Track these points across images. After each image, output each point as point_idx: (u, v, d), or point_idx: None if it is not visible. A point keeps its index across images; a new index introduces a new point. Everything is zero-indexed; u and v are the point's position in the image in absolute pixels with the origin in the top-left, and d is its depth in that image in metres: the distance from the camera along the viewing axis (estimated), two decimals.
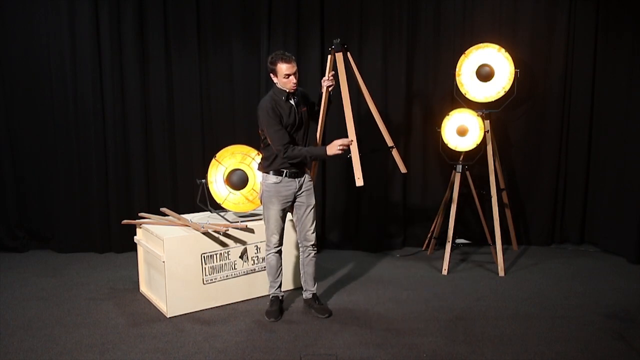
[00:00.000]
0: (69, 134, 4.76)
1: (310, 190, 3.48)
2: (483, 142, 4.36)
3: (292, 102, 3.33)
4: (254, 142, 4.25)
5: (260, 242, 3.78)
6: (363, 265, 4.59)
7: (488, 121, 4.38)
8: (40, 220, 4.96)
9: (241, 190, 3.93)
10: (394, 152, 3.64)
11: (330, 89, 3.47)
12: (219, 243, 3.65)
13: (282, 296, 3.63)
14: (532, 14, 4.80)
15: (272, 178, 3.36)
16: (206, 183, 3.87)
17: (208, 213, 3.99)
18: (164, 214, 4.01)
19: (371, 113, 3.69)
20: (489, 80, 4.32)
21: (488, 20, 4.81)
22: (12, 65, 4.71)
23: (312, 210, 3.48)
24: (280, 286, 3.60)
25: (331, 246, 5.09)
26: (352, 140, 3.23)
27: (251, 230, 3.76)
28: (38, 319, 3.48)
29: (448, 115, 4.43)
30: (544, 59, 4.85)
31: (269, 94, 3.35)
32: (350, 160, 3.28)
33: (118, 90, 4.75)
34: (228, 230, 3.63)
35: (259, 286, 3.83)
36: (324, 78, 3.46)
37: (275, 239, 3.45)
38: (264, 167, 3.41)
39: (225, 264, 3.70)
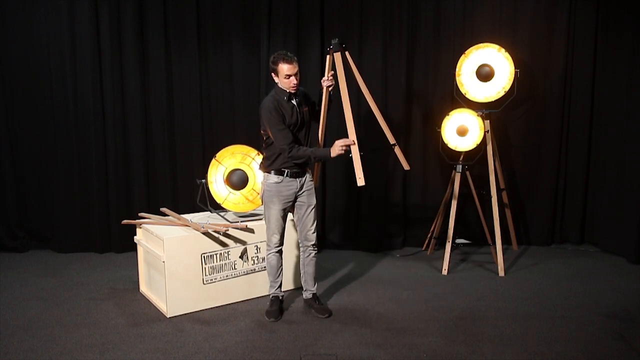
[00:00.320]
0: (69, 134, 4.76)
1: (311, 190, 3.48)
2: (483, 142, 4.36)
3: (294, 102, 3.34)
4: (254, 142, 4.26)
5: (260, 242, 3.78)
6: (363, 265, 4.59)
7: (488, 121, 4.38)
8: (40, 220, 4.96)
9: (241, 190, 3.93)
10: (397, 150, 3.64)
11: (330, 88, 3.47)
12: (219, 243, 3.65)
13: (282, 296, 3.63)
14: (532, 14, 4.80)
15: (273, 178, 3.36)
16: (206, 183, 3.87)
17: (208, 213, 3.99)
18: (164, 214, 4.00)
19: (371, 112, 3.69)
20: (489, 80, 4.32)
21: (488, 20, 4.81)
22: (12, 65, 4.71)
23: (313, 210, 3.48)
24: (280, 286, 3.60)
25: (331, 246, 5.09)
26: (353, 141, 3.23)
27: (251, 230, 3.76)
28: (38, 319, 3.48)
29: (448, 115, 4.43)
30: (544, 59, 4.85)
31: (270, 93, 3.35)
32: (350, 160, 3.28)
33: (118, 90, 4.75)
34: (228, 230, 3.63)
35: (259, 286, 3.83)
36: (323, 78, 3.46)
37: (276, 238, 3.46)
38: (265, 167, 3.42)
39: (225, 264, 3.70)
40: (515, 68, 4.27)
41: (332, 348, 3.08)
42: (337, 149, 3.18)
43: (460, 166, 4.44)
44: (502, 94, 4.31)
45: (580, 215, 5.08)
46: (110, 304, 3.74)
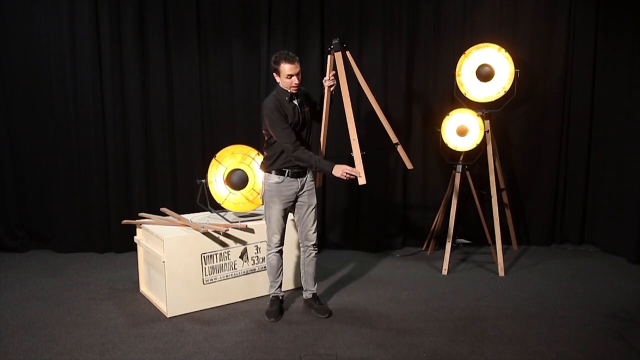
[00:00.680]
0: (69, 134, 4.76)
1: (312, 190, 3.48)
2: (483, 142, 4.36)
3: (295, 102, 3.33)
4: (254, 142, 4.26)
5: (261, 242, 3.78)
6: (363, 265, 4.59)
7: (488, 121, 4.38)
8: (40, 220, 4.96)
9: (241, 190, 3.93)
10: (399, 149, 3.63)
11: (331, 88, 3.47)
12: (219, 243, 3.65)
13: (282, 296, 3.63)
14: (532, 14, 4.80)
15: (274, 178, 3.36)
16: (206, 183, 3.87)
17: (208, 213, 3.99)
18: (164, 214, 4.00)
19: (372, 112, 3.69)
20: (489, 80, 4.32)
21: (488, 20, 4.81)
22: (12, 65, 4.71)
23: (314, 210, 3.48)
24: (280, 286, 3.60)
25: (331, 246, 5.09)
26: (356, 142, 3.21)
27: (251, 230, 3.76)
28: (38, 319, 3.48)
29: (448, 115, 4.43)
30: (544, 59, 4.85)
31: (272, 93, 3.35)
32: (351, 159, 3.28)
33: (118, 90, 4.75)
34: (228, 230, 3.63)
35: (259, 286, 3.83)
36: (325, 78, 3.46)
37: (276, 238, 3.45)
38: (266, 167, 3.42)
39: (225, 264, 3.70)
40: (515, 68, 4.27)
41: (332, 348, 3.08)
42: (340, 171, 3.16)
43: (460, 166, 4.44)
44: (502, 94, 4.31)
45: (580, 215, 5.08)
46: (110, 304, 3.74)
